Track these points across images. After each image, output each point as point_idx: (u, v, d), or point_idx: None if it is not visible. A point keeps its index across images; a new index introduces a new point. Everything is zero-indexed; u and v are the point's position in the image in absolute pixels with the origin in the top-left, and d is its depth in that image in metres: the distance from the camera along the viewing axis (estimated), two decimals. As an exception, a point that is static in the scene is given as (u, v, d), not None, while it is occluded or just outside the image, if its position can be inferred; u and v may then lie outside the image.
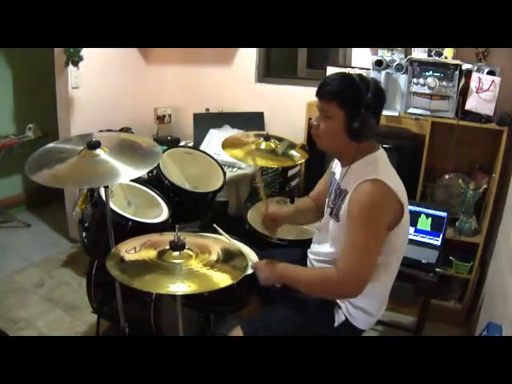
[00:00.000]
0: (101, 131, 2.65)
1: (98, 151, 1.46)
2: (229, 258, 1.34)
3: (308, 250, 1.59)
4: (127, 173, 1.42)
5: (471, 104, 2.10)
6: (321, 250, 1.50)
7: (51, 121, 2.88)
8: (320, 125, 1.34)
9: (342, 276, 1.26)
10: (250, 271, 1.43)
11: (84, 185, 1.89)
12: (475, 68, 2.13)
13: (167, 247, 1.30)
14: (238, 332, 1.40)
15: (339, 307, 1.42)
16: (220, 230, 1.68)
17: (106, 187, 1.52)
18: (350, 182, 1.33)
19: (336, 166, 1.51)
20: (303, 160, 2.17)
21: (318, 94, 1.33)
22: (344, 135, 1.30)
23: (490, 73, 2.09)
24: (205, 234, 1.71)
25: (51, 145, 1.56)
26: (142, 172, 1.46)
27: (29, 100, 3.31)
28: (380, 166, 1.32)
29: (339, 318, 1.42)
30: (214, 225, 1.70)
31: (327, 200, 1.51)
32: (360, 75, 1.33)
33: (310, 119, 1.43)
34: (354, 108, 1.27)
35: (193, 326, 1.82)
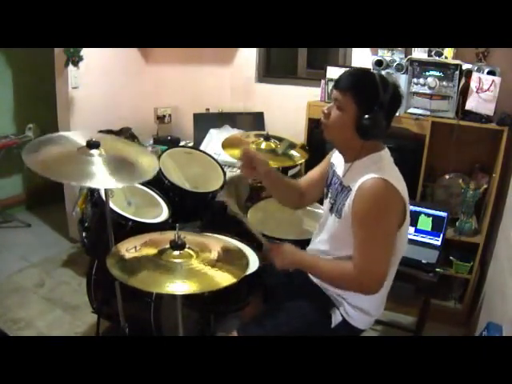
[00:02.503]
0: (101, 131, 2.65)
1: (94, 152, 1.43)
2: (229, 257, 1.34)
3: (307, 248, 1.59)
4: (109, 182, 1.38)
5: (471, 104, 2.10)
6: (319, 246, 1.49)
7: (51, 121, 2.87)
8: (331, 113, 1.33)
9: (359, 273, 1.26)
10: (251, 270, 1.43)
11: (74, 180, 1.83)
12: (475, 68, 2.13)
13: (167, 246, 1.30)
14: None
15: (336, 308, 1.42)
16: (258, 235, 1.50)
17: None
18: (353, 179, 1.32)
19: (336, 158, 1.50)
20: (303, 160, 2.17)
21: (336, 83, 1.33)
22: (352, 130, 1.29)
23: (490, 73, 2.09)
24: (205, 233, 1.71)
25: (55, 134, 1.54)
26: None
27: (29, 100, 3.31)
28: (385, 165, 1.32)
29: (336, 319, 1.42)
30: (254, 231, 1.50)
31: (327, 195, 1.50)
32: (381, 75, 1.33)
33: (320, 116, 1.40)
34: (367, 104, 1.26)
35: (193, 326, 1.82)
